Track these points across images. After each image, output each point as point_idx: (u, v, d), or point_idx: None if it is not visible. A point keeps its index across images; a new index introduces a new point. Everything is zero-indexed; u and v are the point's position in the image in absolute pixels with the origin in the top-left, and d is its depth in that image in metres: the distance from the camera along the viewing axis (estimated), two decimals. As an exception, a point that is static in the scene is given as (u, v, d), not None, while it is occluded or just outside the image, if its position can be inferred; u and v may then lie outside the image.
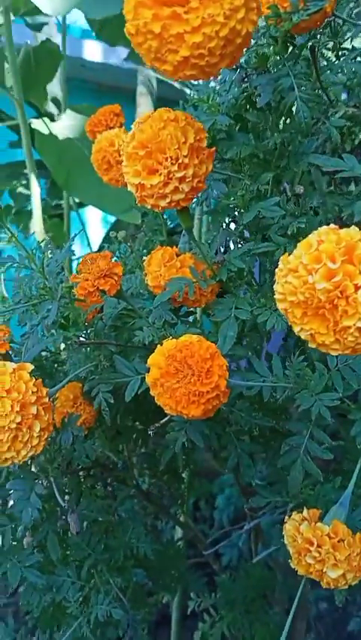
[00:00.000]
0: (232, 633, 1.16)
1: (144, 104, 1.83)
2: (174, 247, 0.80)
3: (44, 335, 0.83)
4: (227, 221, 0.86)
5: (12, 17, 1.48)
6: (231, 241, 0.85)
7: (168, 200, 0.62)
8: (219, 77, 0.83)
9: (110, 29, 1.74)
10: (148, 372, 0.62)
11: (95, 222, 2.56)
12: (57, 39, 1.80)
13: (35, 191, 1.59)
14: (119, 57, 2.44)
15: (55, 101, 1.88)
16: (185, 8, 0.47)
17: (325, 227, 0.49)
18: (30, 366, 0.68)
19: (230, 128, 0.79)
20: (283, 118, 0.78)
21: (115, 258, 0.84)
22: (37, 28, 1.79)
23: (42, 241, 0.84)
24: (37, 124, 1.73)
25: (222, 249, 0.84)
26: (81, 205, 2.11)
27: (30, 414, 0.65)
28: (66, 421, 0.79)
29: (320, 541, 0.61)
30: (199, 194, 0.83)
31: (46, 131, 1.73)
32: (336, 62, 0.85)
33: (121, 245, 1.00)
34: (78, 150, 1.66)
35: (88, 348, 0.82)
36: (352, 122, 0.83)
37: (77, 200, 2.03)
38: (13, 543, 0.84)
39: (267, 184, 0.77)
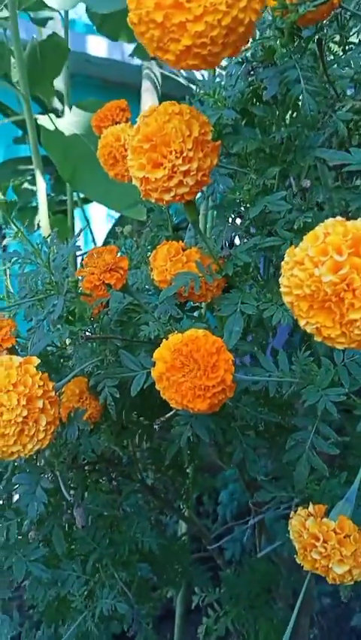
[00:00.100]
0: (236, 628, 1.17)
1: (148, 100, 1.82)
2: (180, 242, 0.80)
3: (50, 330, 0.83)
4: (233, 216, 0.86)
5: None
6: (237, 236, 0.85)
7: (172, 193, 0.62)
8: (225, 72, 0.83)
9: (111, 24, 1.73)
10: (154, 366, 0.62)
11: (98, 219, 2.56)
12: (62, 34, 1.79)
13: (41, 186, 1.58)
14: (124, 53, 2.44)
15: (58, 96, 1.88)
16: (187, -4, 0.47)
17: (331, 219, 0.49)
18: (36, 360, 0.68)
19: (236, 122, 0.78)
20: (290, 112, 0.78)
21: (120, 253, 0.84)
22: (42, 23, 1.78)
23: (48, 236, 0.84)
24: (43, 120, 1.73)
25: (227, 244, 0.83)
26: (85, 201, 2.11)
27: (36, 408, 0.65)
28: (72, 416, 0.79)
29: (326, 537, 0.61)
30: (205, 189, 0.83)
31: (51, 127, 1.72)
32: (343, 56, 0.85)
33: (127, 240, 1.00)
34: (84, 146, 1.66)
35: (94, 343, 0.82)
36: (359, 116, 0.82)
37: (81, 196, 2.03)
38: (19, 537, 0.84)
39: (273, 178, 0.77)
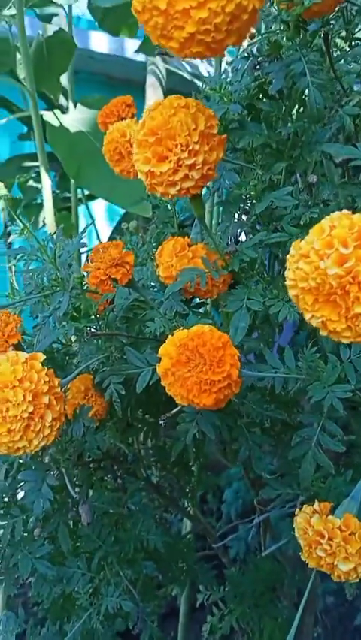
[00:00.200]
0: (241, 626, 1.16)
1: (153, 96, 1.82)
2: (186, 238, 0.79)
3: (56, 326, 0.83)
4: (239, 212, 0.86)
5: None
6: (243, 232, 0.84)
7: (177, 187, 0.61)
8: (230, 67, 0.83)
9: (112, 19, 1.72)
10: (159, 363, 0.62)
11: (99, 217, 2.56)
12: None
13: (46, 183, 1.58)
14: (128, 49, 2.43)
15: (62, 92, 1.88)
16: (190, -17, 0.47)
17: (337, 212, 0.48)
18: (42, 356, 0.68)
19: (242, 117, 0.78)
20: (296, 107, 0.78)
21: (126, 250, 0.83)
22: (47, 19, 1.77)
23: (54, 233, 0.84)
24: (48, 116, 1.72)
25: (233, 240, 0.83)
26: (90, 198, 2.11)
27: (42, 403, 0.64)
28: (78, 413, 0.78)
29: (332, 534, 0.61)
30: (211, 184, 0.82)
31: (57, 124, 1.72)
32: (349, 52, 0.84)
33: (132, 236, 0.99)
34: (90, 143, 1.65)
35: (99, 340, 0.81)
36: (366, 111, 0.82)
37: (86, 193, 2.03)
38: (24, 534, 0.84)
39: (279, 174, 0.77)
